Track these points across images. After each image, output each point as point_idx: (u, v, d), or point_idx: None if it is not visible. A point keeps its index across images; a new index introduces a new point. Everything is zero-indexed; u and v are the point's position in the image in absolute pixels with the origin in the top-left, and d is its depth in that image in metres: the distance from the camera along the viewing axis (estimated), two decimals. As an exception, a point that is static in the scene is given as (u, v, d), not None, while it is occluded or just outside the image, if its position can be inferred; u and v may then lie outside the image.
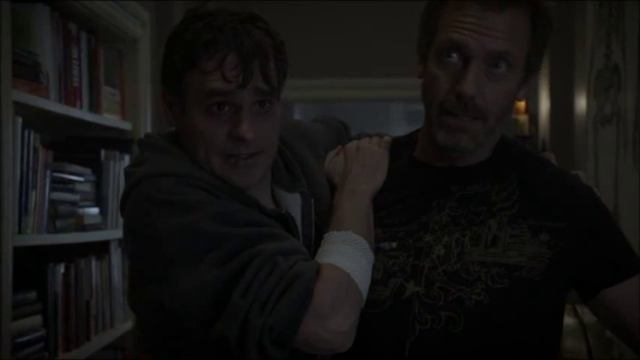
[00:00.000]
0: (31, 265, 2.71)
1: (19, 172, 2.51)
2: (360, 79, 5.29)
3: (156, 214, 1.47)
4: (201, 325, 1.45)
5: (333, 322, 1.44)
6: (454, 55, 1.55)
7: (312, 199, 1.66)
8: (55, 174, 2.78)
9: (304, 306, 1.42)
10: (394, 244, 1.60)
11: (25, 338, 2.57)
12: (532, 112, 5.45)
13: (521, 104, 5.50)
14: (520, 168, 1.66)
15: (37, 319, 2.68)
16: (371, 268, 1.56)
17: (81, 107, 3.04)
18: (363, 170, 1.69)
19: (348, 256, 1.51)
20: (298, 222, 1.63)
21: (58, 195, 2.80)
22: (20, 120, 2.50)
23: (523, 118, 5.50)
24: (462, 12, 1.54)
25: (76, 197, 2.97)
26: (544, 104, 5.20)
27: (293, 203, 1.66)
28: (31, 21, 2.71)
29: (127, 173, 1.58)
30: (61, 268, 2.85)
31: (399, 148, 1.76)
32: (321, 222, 1.64)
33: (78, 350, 2.93)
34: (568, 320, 1.69)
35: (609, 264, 1.62)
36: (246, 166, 1.54)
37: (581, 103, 4.33)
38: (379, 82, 5.17)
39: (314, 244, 1.62)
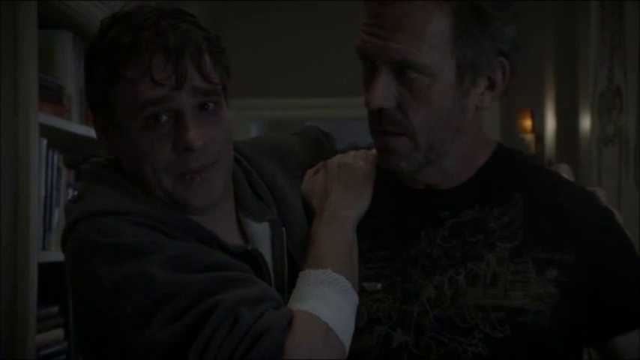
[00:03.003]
0: (54, 280, 2.81)
1: (43, 191, 2.62)
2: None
3: (98, 260, 1.25)
4: None
5: None
6: (366, 63, 1.36)
7: (284, 228, 1.43)
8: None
9: None
10: (379, 286, 1.37)
11: (48, 350, 2.67)
12: (538, 131, 5.53)
13: (528, 123, 5.58)
14: (525, 186, 1.41)
15: (59, 333, 2.78)
16: (355, 312, 1.33)
17: (101, 128, 3.14)
18: (345, 192, 1.43)
19: (327, 300, 1.29)
20: (268, 257, 1.40)
21: (79, 213, 2.89)
22: (45, 141, 2.62)
23: (530, 137, 5.57)
24: (367, 12, 1.35)
25: (95, 215, 3.06)
26: (550, 124, 5.28)
27: (262, 234, 1.43)
28: (54, 46, 2.83)
29: (66, 210, 1.36)
30: (82, 284, 2.94)
31: None
32: (296, 254, 1.41)
33: (97, 363, 3.02)
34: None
35: (622, 307, 1.37)
36: (202, 181, 1.33)
37: (585, 123, 4.41)
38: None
39: (288, 281, 1.40)
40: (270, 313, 1.24)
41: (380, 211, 1.44)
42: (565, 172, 1.50)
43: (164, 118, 1.31)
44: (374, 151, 1.48)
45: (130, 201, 1.32)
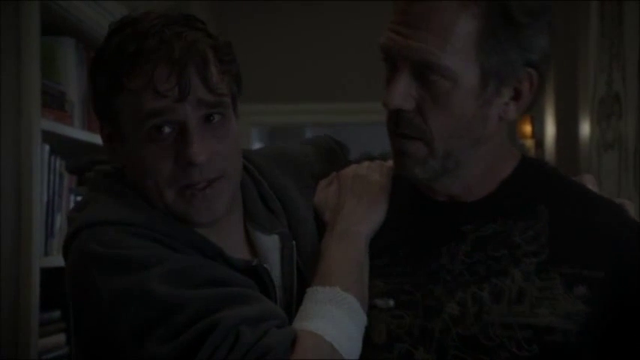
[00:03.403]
0: (56, 285, 2.82)
1: (45, 197, 2.64)
2: (367, 103, 5.37)
3: (97, 272, 1.22)
4: None
5: None
6: (388, 62, 1.31)
7: (294, 241, 1.38)
8: (79, 197, 2.90)
9: None
10: (392, 303, 1.32)
11: (50, 355, 2.69)
12: (538, 136, 5.55)
13: (528, 129, 5.60)
14: (551, 199, 1.35)
15: (61, 337, 2.81)
16: (362, 333, 1.29)
17: (102, 133, 3.16)
18: (358, 205, 1.38)
19: (333, 320, 1.25)
20: (276, 272, 1.36)
21: (81, 218, 2.91)
22: (47, 147, 2.63)
23: (529, 142, 5.59)
24: (394, 10, 1.30)
25: (97, 220, 3.08)
26: (550, 129, 5.30)
27: (271, 247, 1.38)
28: (57, 52, 2.86)
29: (69, 218, 1.34)
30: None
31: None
32: (305, 269, 1.37)
33: (99, 367, 3.04)
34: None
35: None
36: (205, 198, 1.28)
37: (585, 128, 4.43)
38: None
39: (296, 298, 1.35)
40: (273, 333, 1.20)
41: (398, 224, 1.39)
42: (590, 183, 1.44)
43: (167, 129, 1.27)
44: (390, 163, 1.43)
45: (132, 212, 1.28)
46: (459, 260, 1.32)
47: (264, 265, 1.34)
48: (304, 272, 1.36)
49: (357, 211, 1.38)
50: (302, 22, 5.65)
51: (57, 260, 2.71)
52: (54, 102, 2.75)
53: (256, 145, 6.52)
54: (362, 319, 1.29)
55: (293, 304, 1.34)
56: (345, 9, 5.44)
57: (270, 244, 1.38)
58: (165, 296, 1.19)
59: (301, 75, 5.66)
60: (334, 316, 1.25)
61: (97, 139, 3.09)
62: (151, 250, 1.24)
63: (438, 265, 1.32)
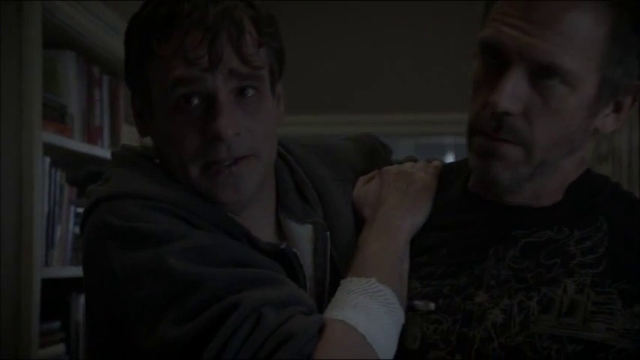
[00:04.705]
0: (56, 296, 2.85)
1: (46, 208, 2.68)
2: (370, 115, 5.39)
3: (112, 246, 1.15)
4: None
5: None
6: (494, 57, 1.20)
7: (328, 232, 1.31)
8: (79, 209, 2.93)
9: None
10: (432, 305, 1.22)
11: (49, 365, 2.72)
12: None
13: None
14: (611, 211, 1.26)
15: (60, 348, 2.83)
16: (399, 330, 1.19)
17: (102, 145, 3.20)
18: (401, 201, 1.31)
19: (367, 311, 1.15)
20: (307, 260, 1.28)
21: (81, 229, 2.94)
22: (48, 159, 2.67)
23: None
24: (513, 1, 1.18)
25: (97, 231, 3.11)
26: (547, 141, 5.33)
27: (304, 237, 1.31)
28: (57, 66, 2.89)
29: (88, 192, 1.25)
30: (83, 299, 2.98)
31: (449, 176, 1.37)
32: (339, 262, 1.29)
33: (98, 377, 3.06)
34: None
35: None
36: (231, 175, 1.20)
37: (581, 140, 4.47)
38: (388, 118, 5.28)
39: (328, 292, 1.27)
40: (298, 318, 1.11)
41: (443, 223, 1.31)
42: None
43: (196, 101, 1.19)
44: (436, 163, 1.40)
45: (155, 186, 1.20)
46: (505, 265, 1.23)
47: (294, 250, 1.25)
48: (338, 266, 1.28)
49: (400, 207, 1.31)
50: (300, 28, 5.65)
51: (57, 271, 2.74)
52: (55, 115, 2.78)
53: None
54: (399, 315, 1.19)
55: (325, 298, 1.26)
56: (345, 10, 5.43)
57: (304, 233, 1.31)
58: (182, 273, 1.10)
59: (304, 86, 5.67)
60: (368, 308, 1.16)
61: (97, 151, 3.14)
62: (171, 225, 1.16)
63: (481, 269, 1.24)
